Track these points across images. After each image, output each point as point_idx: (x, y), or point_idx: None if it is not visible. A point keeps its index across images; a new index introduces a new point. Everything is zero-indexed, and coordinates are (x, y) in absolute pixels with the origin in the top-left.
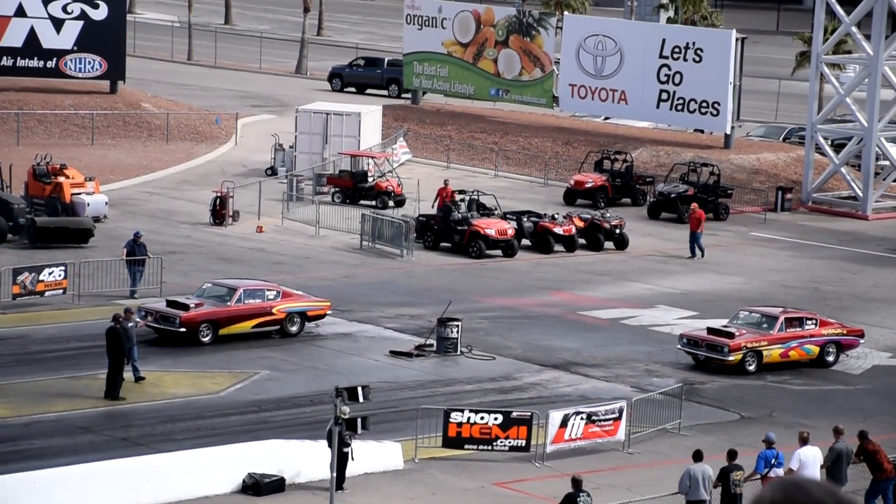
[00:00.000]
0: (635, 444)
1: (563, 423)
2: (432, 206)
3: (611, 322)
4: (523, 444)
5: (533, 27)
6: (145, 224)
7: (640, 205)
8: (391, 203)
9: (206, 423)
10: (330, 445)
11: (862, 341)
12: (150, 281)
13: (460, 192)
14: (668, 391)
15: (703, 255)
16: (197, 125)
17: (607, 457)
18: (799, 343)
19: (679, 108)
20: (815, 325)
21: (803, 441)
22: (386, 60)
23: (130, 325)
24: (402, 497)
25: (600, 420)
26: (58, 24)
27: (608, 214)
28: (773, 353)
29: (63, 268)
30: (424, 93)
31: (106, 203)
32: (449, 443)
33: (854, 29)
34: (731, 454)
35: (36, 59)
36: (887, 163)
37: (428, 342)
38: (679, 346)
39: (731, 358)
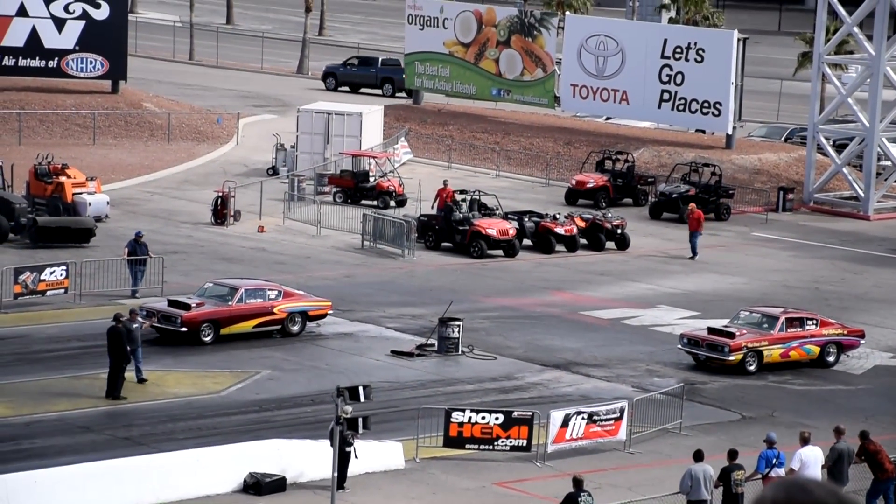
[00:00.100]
0: (636, 443)
1: (565, 423)
2: (432, 207)
3: (612, 322)
4: (524, 444)
5: (534, 27)
6: (147, 224)
7: (642, 205)
8: (392, 203)
9: (208, 423)
10: (333, 445)
11: (862, 342)
12: (151, 280)
13: (461, 192)
14: (670, 391)
15: (693, 257)
16: (198, 125)
17: (608, 457)
18: (799, 343)
19: (681, 108)
20: (816, 325)
21: (804, 441)
22: (380, 60)
23: (135, 325)
24: (403, 496)
25: (601, 420)
26: (59, 23)
27: (609, 214)
28: (773, 353)
29: (64, 267)
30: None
31: (107, 203)
32: (450, 442)
33: (856, 29)
34: (732, 454)
35: (37, 58)
36: (889, 163)
37: (429, 342)
38: (679, 346)
39: (731, 358)
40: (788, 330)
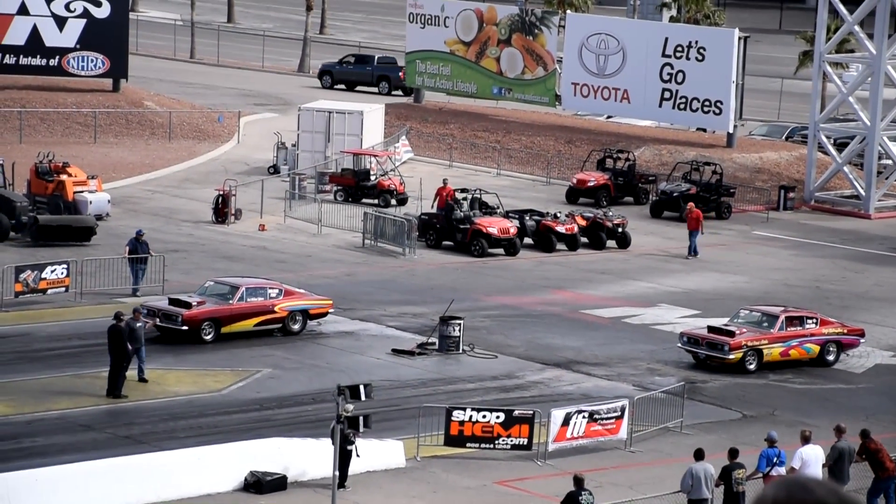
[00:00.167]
0: (637, 442)
1: (566, 422)
2: (432, 206)
3: (613, 321)
4: (525, 443)
5: (535, 26)
6: (147, 222)
7: (643, 203)
8: (393, 201)
9: (209, 421)
10: (334, 443)
11: (862, 340)
12: (152, 279)
13: (462, 190)
14: (670, 390)
15: (687, 256)
16: (199, 123)
17: (609, 455)
18: (799, 342)
19: (681, 106)
20: (816, 324)
21: (805, 440)
22: (376, 58)
23: (139, 325)
24: (403, 495)
25: (602, 418)
26: (60, 22)
27: (610, 213)
28: (773, 351)
29: (65, 266)
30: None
31: (108, 201)
32: (451, 441)
33: (857, 28)
34: (733, 453)
35: (39, 57)
36: (890, 162)
37: (430, 340)
38: (679, 345)
39: (731, 356)
40: (788, 329)
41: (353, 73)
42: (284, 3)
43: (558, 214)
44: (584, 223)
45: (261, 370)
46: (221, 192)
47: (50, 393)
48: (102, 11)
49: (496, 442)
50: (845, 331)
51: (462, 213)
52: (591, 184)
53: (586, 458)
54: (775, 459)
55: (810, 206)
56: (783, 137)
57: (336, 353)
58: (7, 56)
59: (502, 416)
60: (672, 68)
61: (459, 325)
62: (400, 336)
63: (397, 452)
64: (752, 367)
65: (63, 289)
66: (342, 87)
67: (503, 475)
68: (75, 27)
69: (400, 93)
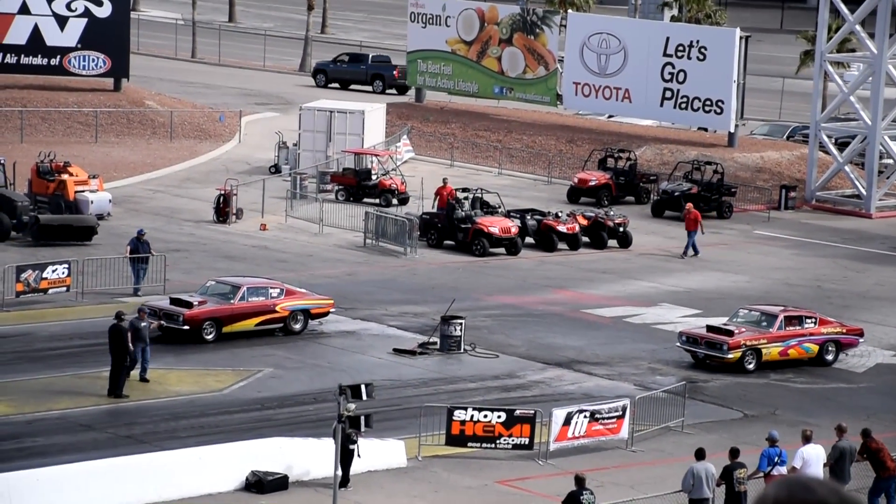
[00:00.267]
0: (638, 442)
1: (567, 421)
2: (432, 206)
3: (614, 320)
4: (526, 443)
5: (537, 25)
6: (149, 222)
7: (644, 203)
8: (395, 201)
9: (210, 421)
10: (335, 443)
11: (862, 340)
12: (153, 279)
13: (464, 189)
14: (672, 389)
15: (683, 256)
16: (201, 123)
17: (610, 455)
18: (798, 341)
19: (683, 106)
20: (815, 323)
21: (806, 439)
22: (370, 56)
23: (143, 325)
24: (405, 495)
25: (604, 418)
26: (62, 21)
27: (612, 212)
28: (772, 351)
29: (66, 265)
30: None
31: (109, 201)
32: (452, 441)
33: (858, 27)
34: (734, 452)
35: (40, 56)
36: (891, 161)
37: (431, 340)
38: (678, 344)
39: (730, 356)
40: (787, 328)
41: (346, 72)
42: (285, 3)
43: (560, 214)
44: (585, 223)
45: (262, 370)
46: (223, 192)
47: (51, 393)
48: (104, 11)
49: (497, 441)
50: (844, 330)
51: (463, 213)
52: (592, 183)
53: (587, 457)
54: (776, 459)
55: (811, 206)
56: (784, 137)
57: (337, 353)
58: (8, 55)
59: (503, 415)
60: (673, 68)
61: (461, 324)
62: (401, 335)
63: (399, 452)
64: (750, 366)
65: (64, 288)
66: (336, 85)
67: (504, 475)
68: (76, 26)
69: (394, 91)
